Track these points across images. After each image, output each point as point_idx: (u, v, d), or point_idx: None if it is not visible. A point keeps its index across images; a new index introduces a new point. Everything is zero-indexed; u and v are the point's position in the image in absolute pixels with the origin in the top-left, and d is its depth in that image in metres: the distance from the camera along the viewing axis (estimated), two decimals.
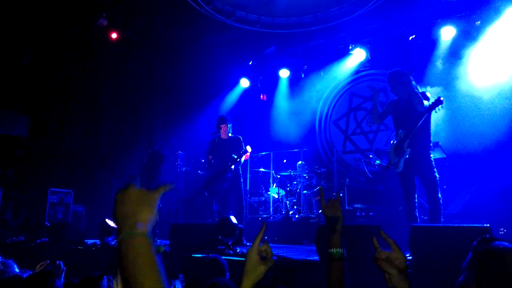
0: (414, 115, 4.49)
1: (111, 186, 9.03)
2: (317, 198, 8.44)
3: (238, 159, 6.32)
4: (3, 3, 7.61)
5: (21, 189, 8.23)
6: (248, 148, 6.33)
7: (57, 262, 3.11)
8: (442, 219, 4.36)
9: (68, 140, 9.12)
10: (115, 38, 9.28)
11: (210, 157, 6.58)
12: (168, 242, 5.27)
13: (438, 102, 4.26)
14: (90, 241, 6.02)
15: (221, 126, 6.49)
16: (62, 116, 9.08)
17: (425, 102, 4.49)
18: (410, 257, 3.34)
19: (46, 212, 7.81)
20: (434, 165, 4.48)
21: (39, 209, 7.87)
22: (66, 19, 8.49)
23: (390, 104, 4.90)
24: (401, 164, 4.49)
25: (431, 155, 4.48)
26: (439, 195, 4.38)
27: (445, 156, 6.57)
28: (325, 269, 2.01)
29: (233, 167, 6.29)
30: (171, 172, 9.48)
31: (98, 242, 5.80)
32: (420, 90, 4.75)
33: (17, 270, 2.98)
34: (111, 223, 5.98)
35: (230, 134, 6.56)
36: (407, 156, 4.44)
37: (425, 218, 5.32)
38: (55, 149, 8.88)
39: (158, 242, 6.27)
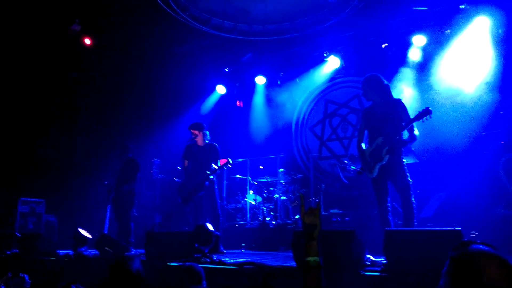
0: (394, 122, 4.56)
1: (84, 195, 8.85)
2: (294, 204, 8.48)
3: (218, 170, 6.29)
4: None
5: None
6: (230, 161, 6.30)
7: (21, 275, 3.01)
8: (415, 223, 4.44)
9: (40, 147, 8.90)
10: (89, 44, 9.14)
11: (186, 162, 6.53)
12: (143, 251, 5.19)
13: (426, 112, 4.26)
14: (62, 252, 5.87)
15: (192, 131, 6.46)
16: (33, 123, 8.86)
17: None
18: (385, 261, 3.39)
19: (17, 223, 7.58)
20: (407, 170, 4.56)
21: (9, 219, 7.63)
22: (38, 23, 8.32)
23: (364, 115, 4.92)
24: (376, 169, 4.55)
25: (404, 160, 4.56)
26: (413, 199, 4.45)
27: (417, 161, 6.71)
28: (302, 276, 2.01)
29: (212, 176, 6.26)
30: (147, 180, 9.37)
31: (71, 253, 5.67)
32: (394, 97, 4.83)
33: None
34: (84, 232, 5.86)
35: (206, 141, 6.53)
36: (384, 163, 4.50)
37: (399, 222, 5.41)
38: (27, 157, 8.65)
39: (133, 251, 6.17)
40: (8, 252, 6.09)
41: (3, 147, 8.36)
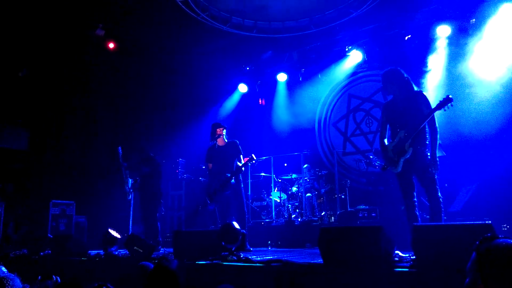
0: (416, 114, 4.47)
1: (112, 196, 9.04)
2: (319, 201, 8.45)
3: (243, 168, 6.30)
4: None
5: (23, 202, 8.23)
6: (253, 156, 6.30)
7: (54, 277, 3.08)
8: (444, 218, 4.35)
9: (67, 151, 9.13)
10: (112, 48, 9.31)
11: (210, 165, 6.55)
12: (171, 249, 5.27)
13: (447, 100, 4.20)
14: (93, 252, 6.01)
15: (217, 130, 6.46)
16: (61, 128, 9.10)
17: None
18: (414, 257, 3.34)
19: (49, 224, 7.81)
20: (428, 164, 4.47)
21: (41, 221, 7.87)
22: (63, 31, 8.53)
23: (386, 109, 4.84)
24: (400, 164, 4.48)
25: (429, 154, 4.46)
26: (439, 193, 4.36)
27: (444, 154, 6.58)
28: (330, 272, 2.00)
29: (239, 172, 6.28)
30: (172, 180, 9.49)
31: (102, 253, 5.79)
32: (416, 89, 4.74)
33: (20, 284, 2.97)
34: (114, 233, 5.97)
35: (226, 140, 6.53)
36: (408, 156, 4.43)
37: (427, 216, 5.31)
38: (56, 161, 8.89)
39: (162, 250, 6.27)
40: (41, 254, 6.26)
41: (34, 152, 8.62)
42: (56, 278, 3.09)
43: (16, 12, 7.75)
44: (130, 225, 7.19)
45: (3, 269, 3.23)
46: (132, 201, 7.16)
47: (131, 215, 7.22)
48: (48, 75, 8.85)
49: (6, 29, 7.91)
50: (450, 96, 4.21)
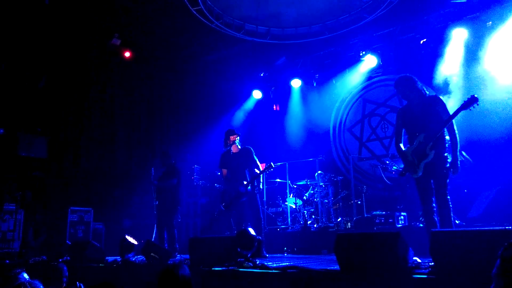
0: (434, 117, 4.44)
1: (129, 202, 9.13)
2: (335, 207, 8.39)
3: (261, 174, 6.30)
4: (18, 26, 7.84)
5: (42, 209, 8.35)
6: (272, 164, 6.30)
7: (77, 284, 3.12)
8: (456, 221, 4.28)
9: (85, 159, 9.25)
10: (128, 57, 9.44)
11: (225, 171, 6.55)
12: (187, 256, 5.29)
13: (473, 100, 4.15)
14: (110, 258, 6.06)
15: (230, 137, 6.47)
16: (79, 136, 9.23)
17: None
18: (432, 263, 3.29)
19: (67, 231, 7.91)
20: (448, 167, 4.42)
21: (60, 228, 7.97)
22: (80, 40, 8.69)
23: (400, 114, 4.81)
24: (421, 168, 4.43)
25: (449, 157, 4.42)
26: (448, 197, 4.33)
27: (462, 158, 6.48)
28: (347, 279, 1.99)
29: (255, 182, 6.27)
30: (188, 186, 9.54)
31: (119, 259, 5.84)
32: (428, 93, 4.72)
33: None
34: (131, 239, 6.02)
35: (239, 146, 6.53)
36: (429, 160, 4.38)
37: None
38: (74, 169, 9.01)
39: (178, 256, 6.30)
40: (60, 260, 6.33)
41: (53, 160, 8.75)
42: (79, 284, 3.13)
43: (34, 23, 7.93)
44: (155, 232, 7.36)
45: (25, 275, 3.29)
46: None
47: (155, 225, 7.36)
48: (65, 84, 9.00)
49: (25, 39, 8.09)
50: (476, 96, 4.16)
